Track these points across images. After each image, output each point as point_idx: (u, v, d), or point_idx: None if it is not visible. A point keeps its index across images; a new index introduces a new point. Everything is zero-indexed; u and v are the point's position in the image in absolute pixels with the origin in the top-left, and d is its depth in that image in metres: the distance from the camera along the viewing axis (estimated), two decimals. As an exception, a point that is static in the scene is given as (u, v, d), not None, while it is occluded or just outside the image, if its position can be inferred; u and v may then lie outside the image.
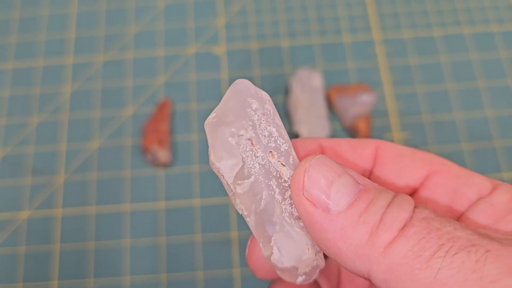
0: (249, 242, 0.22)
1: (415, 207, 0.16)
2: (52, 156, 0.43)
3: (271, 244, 0.19)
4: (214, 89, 0.45)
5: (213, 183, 0.41)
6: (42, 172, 0.43)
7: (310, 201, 0.16)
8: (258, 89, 0.19)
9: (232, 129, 0.18)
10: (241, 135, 0.19)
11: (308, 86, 0.44)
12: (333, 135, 0.43)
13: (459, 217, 0.19)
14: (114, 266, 0.40)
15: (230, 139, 0.18)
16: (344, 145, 0.21)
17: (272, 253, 0.19)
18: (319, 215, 0.16)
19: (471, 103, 0.44)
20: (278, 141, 0.19)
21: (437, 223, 0.15)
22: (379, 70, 0.45)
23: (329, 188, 0.16)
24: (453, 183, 0.20)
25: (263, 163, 0.18)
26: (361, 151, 0.21)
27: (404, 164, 0.21)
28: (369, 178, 0.21)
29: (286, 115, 0.44)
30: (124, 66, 0.46)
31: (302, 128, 0.42)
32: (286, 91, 0.45)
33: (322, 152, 0.21)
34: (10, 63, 0.47)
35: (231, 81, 0.45)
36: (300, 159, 0.19)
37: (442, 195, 0.20)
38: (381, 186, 0.17)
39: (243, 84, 0.19)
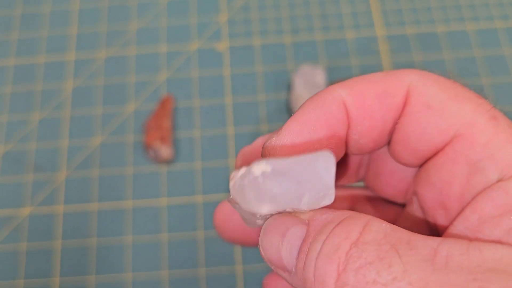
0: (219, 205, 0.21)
1: (354, 243, 0.14)
2: (54, 153, 0.43)
3: None
4: (217, 85, 0.45)
5: (215, 180, 0.41)
6: (43, 168, 0.42)
7: (275, 267, 0.16)
8: (329, 181, 0.16)
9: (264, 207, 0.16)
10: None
11: (311, 83, 0.43)
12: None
13: (469, 202, 0.17)
14: (116, 263, 0.39)
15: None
16: (370, 96, 0.17)
17: None
18: (288, 278, 0.16)
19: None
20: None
21: (374, 272, 0.13)
22: (382, 67, 0.45)
23: (280, 254, 0.16)
24: (476, 154, 0.16)
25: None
26: (390, 100, 0.17)
27: (428, 121, 0.17)
28: (393, 131, 0.18)
29: (288, 112, 0.44)
30: (126, 62, 0.46)
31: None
32: (289, 88, 0.45)
33: (347, 116, 0.17)
34: (12, 59, 0.47)
35: (233, 77, 0.45)
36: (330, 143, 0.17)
37: (459, 167, 0.17)
38: (329, 216, 0.15)
39: (323, 164, 0.16)
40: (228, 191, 0.40)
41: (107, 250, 0.40)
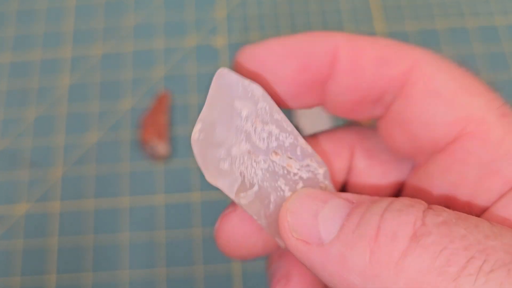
0: (222, 215, 0.20)
1: (429, 207, 0.12)
2: (50, 150, 0.43)
3: None
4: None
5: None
6: (40, 165, 0.42)
7: (301, 240, 0.14)
8: (246, 83, 0.16)
9: (222, 152, 0.16)
10: (235, 154, 0.16)
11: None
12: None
13: (485, 208, 0.15)
14: (112, 260, 0.39)
15: (221, 163, 0.16)
16: (369, 56, 0.16)
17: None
18: (314, 252, 0.13)
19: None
20: (280, 137, 0.16)
21: (461, 228, 0.11)
22: None
23: (316, 219, 0.14)
24: (490, 154, 0.15)
25: (266, 167, 0.16)
26: (388, 70, 0.16)
27: (434, 112, 0.15)
28: (388, 107, 0.16)
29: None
30: (123, 58, 0.46)
31: (303, 120, 0.42)
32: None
33: (334, 64, 0.16)
34: (8, 55, 0.46)
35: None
36: (293, 82, 0.16)
37: (470, 168, 0.15)
38: (377, 197, 0.14)
39: (226, 78, 0.16)
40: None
41: (103, 247, 0.39)
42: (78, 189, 0.41)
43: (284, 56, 0.16)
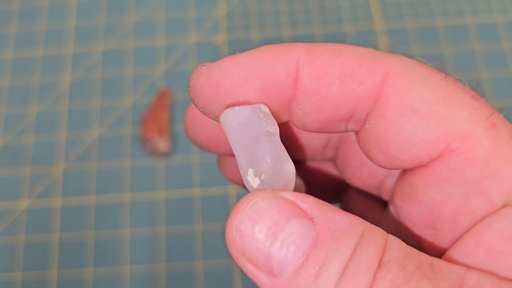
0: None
1: (379, 266, 0.12)
2: (51, 146, 0.43)
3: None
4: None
5: (213, 173, 0.41)
6: (41, 161, 0.42)
7: (251, 263, 0.13)
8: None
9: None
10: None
11: None
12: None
13: (469, 228, 0.14)
14: (113, 255, 0.39)
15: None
16: (333, 73, 0.14)
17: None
18: (264, 280, 0.13)
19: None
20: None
21: None
22: None
23: (269, 249, 0.12)
24: (475, 173, 0.14)
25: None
26: (355, 87, 0.14)
27: (412, 131, 0.14)
28: (362, 123, 0.15)
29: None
30: (124, 55, 0.46)
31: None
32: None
33: (296, 84, 0.14)
34: (10, 52, 0.47)
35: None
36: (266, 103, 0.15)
37: (454, 187, 0.14)
38: (343, 221, 0.13)
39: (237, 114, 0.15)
40: (226, 184, 0.40)
41: (104, 243, 0.40)
42: (80, 185, 0.42)
43: (242, 81, 0.14)
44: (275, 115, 0.15)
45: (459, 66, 0.44)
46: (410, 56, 0.15)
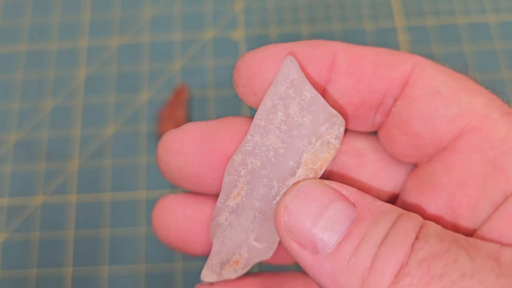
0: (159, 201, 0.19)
1: (416, 238, 0.13)
2: (66, 141, 0.42)
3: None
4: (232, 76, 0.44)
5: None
6: (56, 157, 0.42)
7: (296, 242, 0.14)
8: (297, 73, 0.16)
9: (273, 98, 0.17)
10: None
11: None
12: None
13: (490, 211, 0.15)
14: (129, 253, 0.39)
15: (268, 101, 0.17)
16: (368, 60, 0.16)
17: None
18: (307, 258, 0.14)
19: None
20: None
21: (440, 266, 0.12)
22: None
23: (314, 226, 0.13)
24: (493, 150, 0.14)
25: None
26: (388, 72, 0.15)
27: (435, 109, 0.15)
28: (388, 112, 0.16)
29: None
30: (140, 50, 0.45)
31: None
32: (306, 79, 0.44)
33: (336, 66, 0.16)
34: (24, 45, 0.46)
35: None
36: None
37: (475, 165, 0.15)
38: (383, 206, 0.14)
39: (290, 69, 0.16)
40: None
41: (120, 240, 0.39)
42: (95, 182, 0.41)
43: (283, 57, 0.16)
44: None
45: (481, 65, 0.43)
46: (430, 55, 0.17)
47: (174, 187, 0.41)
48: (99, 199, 0.40)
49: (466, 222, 0.15)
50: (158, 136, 0.41)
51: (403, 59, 0.16)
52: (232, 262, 0.18)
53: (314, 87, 0.16)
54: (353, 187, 0.16)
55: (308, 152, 0.15)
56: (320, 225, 0.13)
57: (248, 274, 0.18)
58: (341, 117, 0.15)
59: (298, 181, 0.15)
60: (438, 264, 0.12)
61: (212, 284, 0.18)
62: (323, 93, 0.16)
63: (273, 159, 0.16)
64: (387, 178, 0.18)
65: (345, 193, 0.14)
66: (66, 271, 0.39)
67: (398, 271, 0.12)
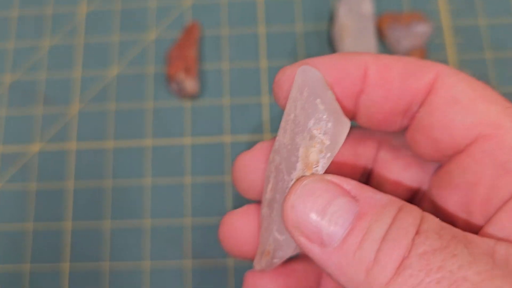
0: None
1: (417, 233, 0.14)
2: (66, 84, 0.39)
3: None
4: (249, 12, 0.39)
5: (245, 118, 0.37)
6: (54, 101, 0.38)
7: (304, 237, 0.15)
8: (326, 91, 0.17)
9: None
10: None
11: (356, 12, 0.38)
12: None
13: (500, 207, 0.16)
14: (133, 206, 0.35)
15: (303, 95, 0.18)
16: (396, 71, 0.17)
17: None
18: (316, 251, 0.15)
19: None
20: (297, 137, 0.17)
21: (439, 260, 0.13)
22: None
23: (320, 221, 0.15)
24: (503, 155, 0.16)
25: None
26: (413, 82, 0.17)
27: (453, 117, 0.17)
28: (413, 117, 0.18)
29: (329, 46, 0.38)
30: (147, -16, 0.41)
31: (348, 41, 0.37)
32: (331, 17, 0.39)
33: (365, 79, 0.18)
34: (20, -21, 0.42)
35: (267, 3, 0.40)
36: (336, 94, 0.18)
37: (486, 168, 0.16)
38: (383, 199, 0.15)
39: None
40: (260, 132, 0.36)
41: (124, 192, 0.36)
42: (96, 128, 0.37)
43: (322, 70, 0.17)
44: (344, 111, 0.17)
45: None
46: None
47: (189, 134, 0.37)
48: (101, 146, 0.37)
49: (478, 218, 0.17)
50: (167, 78, 0.37)
51: (427, 69, 0.17)
52: (265, 252, 0.19)
53: (344, 98, 0.18)
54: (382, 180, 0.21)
55: (303, 147, 0.16)
56: (325, 221, 0.14)
57: (294, 260, 0.20)
58: (334, 114, 0.16)
59: (302, 178, 0.16)
60: (437, 257, 0.13)
61: (260, 271, 0.20)
62: (356, 100, 0.18)
63: (285, 155, 0.17)
64: (417, 172, 0.20)
65: (347, 187, 0.15)
66: (66, 225, 0.35)
67: (400, 264, 0.13)
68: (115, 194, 0.36)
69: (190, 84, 0.36)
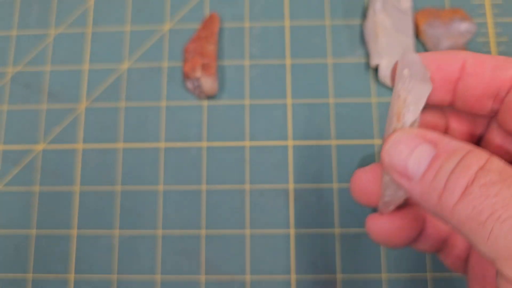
0: (353, 175, 0.24)
1: (480, 168, 0.17)
2: (71, 77, 0.35)
3: None
4: (273, 4, 0.36)
5: (266, 122, 0.33)
6: (59, 96, 0.35)
7: (396, 173, 0.19)
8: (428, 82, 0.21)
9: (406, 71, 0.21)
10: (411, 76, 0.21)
11: (393, 7, 0.34)
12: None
13: None
14: (145, 213, 0.33)
15: (404, 71, 0.21)
16: (488, 64, 0.21)
17: None
18: (405, 184, 0.19)
19: None
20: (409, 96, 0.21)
21: (496, 189, 0.16)
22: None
23: (407, 162, 0.19)
24: None
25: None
26: (502, 73, 0.21)
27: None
28: (502, 101, 0.21)
29: (362, 43, 0.35)
30: (161, -30, 0.37)
31: (382, 61, 0.33)
32: (364, 11, 0.36)
33: (463, 69, 0.21)
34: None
35: (294, -5, 0.36)
36: (433, 80, 0.22)
37: None
38: (456, 145, 0.19)
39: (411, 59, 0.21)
40: (282, 138, 0.33)
41: (134, 196, 0.33)
42: (104, 127, 0.34)
43: (426, 60, 0.21)
44: (443, 95, 0.22)
45: None
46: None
47: (205, 136, 0.34)
48: (109, 147, 0.34)
49: None
50: (184, 75, 0.34)
51: None
52: (384, 200, 0.23)
53: (444, 82, 0.22)
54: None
55: (395, 105, 0.21)
56: (410, 162, 0.19)
57: (405, 207, 0.24)
58: (417, 78, 0.20)
59: (394, 131, 0.20)
60: (495, 187, 0.17)
61: (380, 214, 0.23)
62: (454, 87, 0.22)
63: (389, 118, 0.21)
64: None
65: (429, 137, 0.19)
66: (71, 232, 0.33)
67: (464, 190, 0.17)
68: (123, 198, 0.33)
69: (208, 83, 0.33)
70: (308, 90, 0.34)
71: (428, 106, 0.24)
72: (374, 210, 0.32)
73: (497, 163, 0.18)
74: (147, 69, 0.35)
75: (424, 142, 0.19)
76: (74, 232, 0.33)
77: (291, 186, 0.33)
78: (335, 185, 0.32)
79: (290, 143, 0.33)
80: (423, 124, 0.24)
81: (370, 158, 0.33)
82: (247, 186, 0.33)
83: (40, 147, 0.34)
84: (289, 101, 0.34)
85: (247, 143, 0.33)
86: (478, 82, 0.21)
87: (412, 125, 0.20)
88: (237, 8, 0.36)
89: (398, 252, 0.31)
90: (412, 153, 0.19)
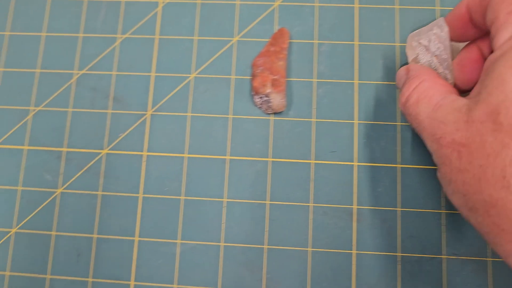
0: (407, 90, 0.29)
1: (416, 86, 0.28)
2: (138, 84, 0.35)
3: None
4: (345, 20, 0.35)
5: (332, 138, 0.33)
6: (124, 102, 0.35)
7: (402, 96, 0.28)
8: (444, 24, 0.30)
9: (416, 39, 0.31)
10: (420, 42, 0.30)
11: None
12: None
13: None
14: (208, 224, 0.33)
15: (413, 43, 0.31)
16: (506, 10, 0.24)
17: None
18: (402, 100, 0.28)
19: None
20: (442, 53, 0.30)
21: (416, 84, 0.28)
22: None
23: (399, 82, 0.30)
24: None
25: (429, 59, 0.30)
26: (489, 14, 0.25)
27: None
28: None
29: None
30: (230, -21, 0.37)
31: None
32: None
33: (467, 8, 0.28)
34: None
35: (363, 12, 0.36)
36: (449, 23, 0.30)
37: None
38: (412, 73, 0.29)
39: (439, 21, 0.30)
40: (349, 161, 0.33)
41: (195, 207, 0.33)
42: (167, 135, 0.34)
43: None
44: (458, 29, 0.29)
45: None
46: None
47: (270, 154, 0.34)
48: (173, 155, 0.34)
49: None
50: (253, 90, 0.34)
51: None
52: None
53: (457, 22, 0.29)
54: None
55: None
56: (397, 78, 0.31)
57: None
58: (438, 27, 0.30)
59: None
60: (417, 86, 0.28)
61: None
62: (467, 23, 0.28)
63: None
64: None
65: (410, 68, 0.30)
66: (133, 239, 0.33)
67: (415, 88, 0.28)
68: (187, 209, 0.33)
69: (277, 99, 0.33)
70: (375, 111, 0.34)
71: (466, 44, 0.30)
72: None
73: (422, 85, 0.27)
74: (214, 80, 0.35)
75: (407, 71, 0.29)
76: (136, 238, 0.33)
77: (355, 207, 0.33)
78: (398, 209, 0.32)
79: (355, 163, 0.33)
80: (463, 58, 0.29)
81: (435, 181, 0.33)
82: (310, 204, 0.33)
83: (104, 151, 0.34)
84: (356, 120, 0.34)
85: (312, 161, 0.33)
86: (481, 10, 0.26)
87: (413, 61, 0.30)
88: (307, 23, 0.36)
89: (460, 278, 0.32)
90: (402, 78, 0.30)
